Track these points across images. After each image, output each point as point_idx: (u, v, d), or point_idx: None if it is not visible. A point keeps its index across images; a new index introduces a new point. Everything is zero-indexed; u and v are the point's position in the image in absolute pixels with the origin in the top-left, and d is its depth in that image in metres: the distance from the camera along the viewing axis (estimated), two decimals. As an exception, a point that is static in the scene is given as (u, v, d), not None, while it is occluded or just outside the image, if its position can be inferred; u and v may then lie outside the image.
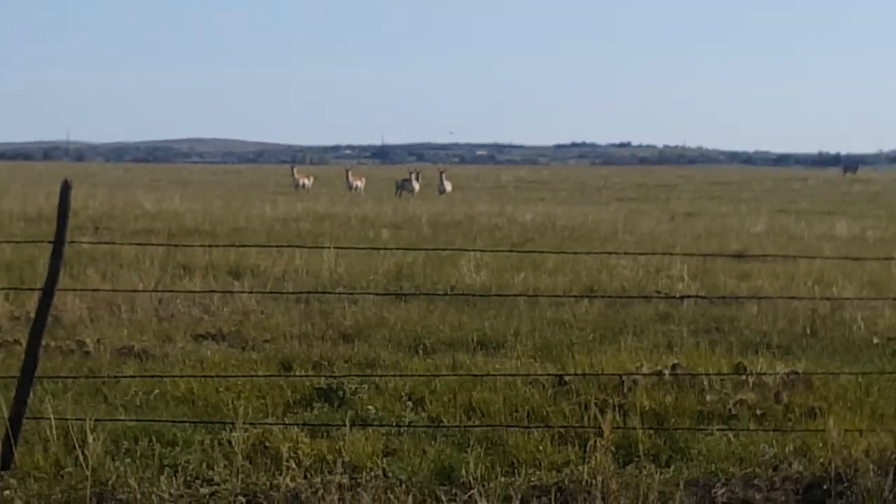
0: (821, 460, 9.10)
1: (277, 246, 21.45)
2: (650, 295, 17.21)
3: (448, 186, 62.61)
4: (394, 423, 9.97)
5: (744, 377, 11.48)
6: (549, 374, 11.58)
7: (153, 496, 8.22)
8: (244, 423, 9.33)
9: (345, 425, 9.41)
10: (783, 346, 13.84)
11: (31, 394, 8.97)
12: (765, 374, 11.59)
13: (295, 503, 8.27)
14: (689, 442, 9.59)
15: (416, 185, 62.68)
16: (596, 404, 10.23)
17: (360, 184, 66.13)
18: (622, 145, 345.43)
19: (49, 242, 8.90)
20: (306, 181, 69.02)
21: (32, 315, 9.33)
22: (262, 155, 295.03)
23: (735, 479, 8.86)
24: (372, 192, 62.90)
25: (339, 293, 16.66)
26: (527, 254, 21.36)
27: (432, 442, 9.52)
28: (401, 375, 11.59)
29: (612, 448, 9.01)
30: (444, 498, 8.33)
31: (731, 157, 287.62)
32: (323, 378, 11.28)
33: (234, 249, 20.75)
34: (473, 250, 21.32)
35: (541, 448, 9.33)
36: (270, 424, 9.69)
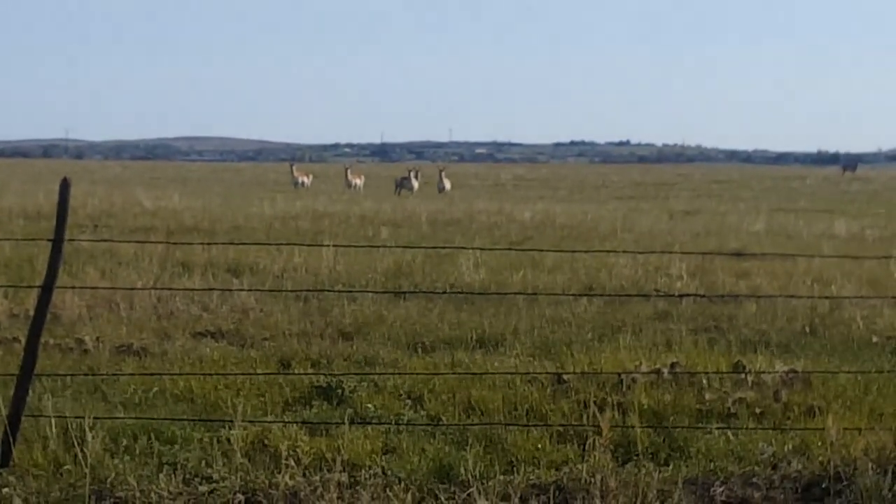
0: (820, 459, 9.09)
1: (276, 244, 21.46)
2: (649, 293, 17.22)
3: (447, 185, 62.65)
4: (393, 422, 9.97)
5: (743, 376, 11.48)
6: (547, 373, 11.58)
7: (152, 494, 8.21)
8: (243, 421, 9.33)
9: (344, 423, 9.41)
10: (782, 344, 13.83)
11: (30, 391, 8.97)
12: (764, 372, 11.59)
13: (294, 501, 8.27)
14: (687, 440, 9.59)
15: (416, 184, 62.70)
16: (595, 403, 10.22)
17: (359, 182, 66.16)
18: (621, 144, 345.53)
19: (48, 240, 8.90)
20: (305, 179, 69.04)
21: (31, 313, 9.33)
22: (261, 153, 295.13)
23: (734, 477, 8.86)
24: (371, 191, 62.94)
25: (339, 291, 16.65)
26: (526, 252, 21.36)
27: (431, 440, 9.52)
28: (400, 374, 11.59)
29: (611, 446, 9.01)
30: (442, 496, 8.33)
31: (730, 155, 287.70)
32: (322, 376, 11.28)
33: (234, 247, 20.76)
34: (472, 248, 21.31)
35: (539, 446, 9.33)
36: (269, 422, 9.69)
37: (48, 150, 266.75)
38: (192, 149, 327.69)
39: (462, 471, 8.63)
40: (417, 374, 11.56)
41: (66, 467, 8.60)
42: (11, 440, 8.68)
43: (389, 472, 8.69)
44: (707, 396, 10.84)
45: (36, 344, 8.85)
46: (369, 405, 10.45)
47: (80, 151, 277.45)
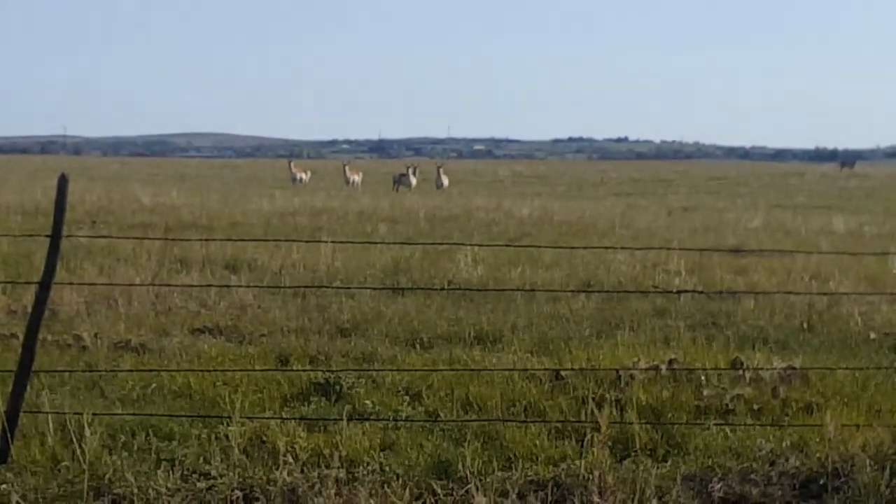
0: (818, 455, 9.10)
1: (275, 240, 21.44)
2: (647, 290, 17.21)
3: (445, 181, 62.63)
4: (391, 418, 9.97)
5: (741, 372, 11.48)
6: (546, 369, 11.58)
7: (150, 490, 8.21)
8: (241, 417, 9.33)
9: (342, 419, 9.40)
10: (780, 340, 13.84)
11: (28, 388, 8.96)
12: (762, 368, 11.59)
13: (292, 497, 8.27)
14: (685, 437, 9.59)
15: (414, 180, 62.69)
16: (593, 399, 10.22)
17: (357, 178, 66.15)
18: (619, 140, 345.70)
19: (46, 236, 8.89)
20: (303, 175, 69.02)
21: (29, 309, 9.32)
22: (259, 149, 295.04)
23: (732, 473, 8.86)
24: (369, 187, 62.92)
25: (337, 287, 16.64)
26: (524, 248, 21.38)
27: (429, 436, 9.52)
28: (398, 370, 11.59)
29: (609, 443, 9.00)
30: (440, 492, 8.33)
31: (729, 152, 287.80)
32: (320, 372, 11.28)
33: (232, 243, 20.75)
34: (471, 245, 21.32)
35: (538, 443, 9.33)
36: (267, 419, 9.69)
37: (46, 146, 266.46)
38: (190, 145, 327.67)
39: (460, 467, 8.62)
40: (415, 370, 11.56)
41: (64, 464, 8.60)
42: (9, 437, 8.68)
43: (387, 469, 8.69)
44: (705, 393, 10.83)
45: (34, 340, 8.85)
46: (367, 401, 10.44)
47: (77, 148, 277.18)
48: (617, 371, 11.30)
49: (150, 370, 11.38)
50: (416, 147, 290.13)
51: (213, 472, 8.55)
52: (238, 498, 8.22)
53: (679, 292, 16.35)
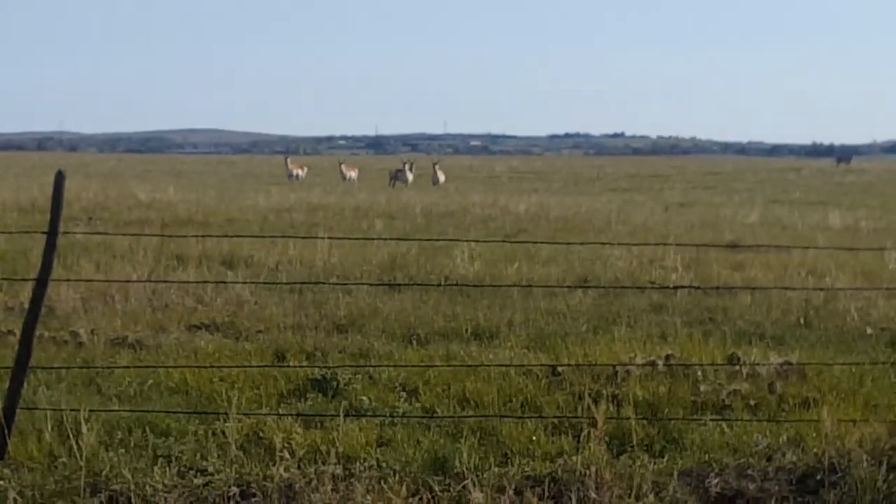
0: (814, 450, 9.11)
1: (271, 236, 21.46)
2: (644, 285, 17.22)
3: (441, 177, 62.58)
4: (387, 414, 9.97)
5: (737, 367, 11.49)
6: (542, 365, 11.58)
7: (147, 487, 8.21)
8: (238, 413, 9.32)
9: (338, 416, 9.41)
10: (777, 336, 13.85)
11: (25, 384, 8.97)
12: (758, 364, 11.61)
13: (288, 493, 8.27)
14: (682, 432, 9.60)
15: (410, 176, 62.66)
16: (589, 395, 10.23)
17: (353, 174, 66.14)
18: (616, 136, 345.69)
19: (43, 233, 8.88)
20: (300, 172, 68.96)
21: (26, 305, 9.32)
22: (255, 145, 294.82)
23: (729, 469, 8.87)
24: (366, 183, 62.89)
25: (333, 284, 16.64)
26: (520, 244, 21.37)
27: (426, 432, 9.52)
28: (394, 366, 11.59)
29: (606, 438, 9.01)
30: (437, 488, 8.33)
31: (725, 147, 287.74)
32: (317, 368, 11.28)
33: (228, 240, 20.73)
34: (467, 241, 21.31)
35: (534, 438, 9.34)
36: (264, 415, 9.69)
37: (42, 142, 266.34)
38: (187, 141, 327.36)
39: (457, 463, 8.63)
40: (412, 366, 11.56)
41: (61, 460, 8.60)
42: (6, 433, 8.68)
43: (384, 465, 8.69)
44: (702, 388, 10.84)
45: (31, 336, 8.84)
46: (364, 397, 10.44)
47: (74, 144, 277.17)
48: (613, 367, 11.31)
49: (147, 366, 11.38)
50: (412, 143, 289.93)
51: (210, 469, 8.55)
52: (235, 494, 8.23)
53: (675, 288, 16.35)
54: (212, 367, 11.28)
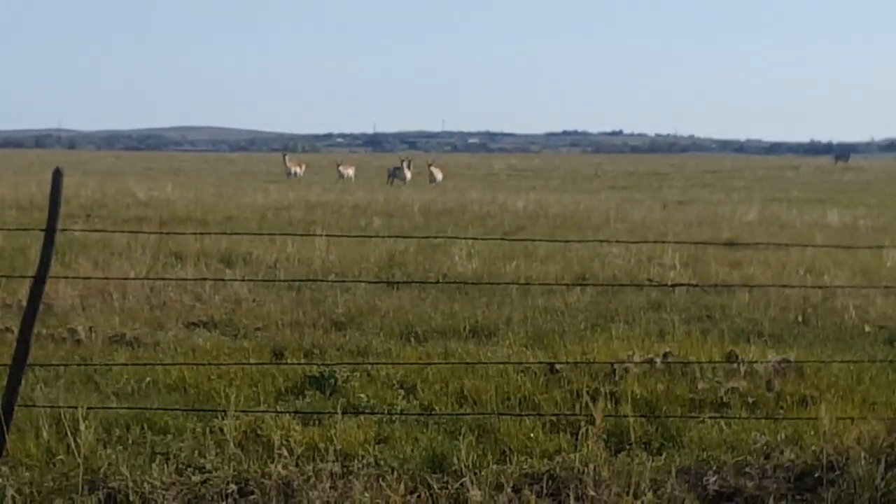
0: (812, 448, 9.10)
1: (269, 234, 21.47)
2: (642, 283, 17.23)
3: (439, 176, 62.39)
4: (385, 411, 9.97)
5: (735, 365, 11.49)
6: (540, 363, 11.59)
7: (145, 484, 8.21)
8: (236, 410, 9.33)
9: (337, 413, 9.41)
10: (775, 334, 13.85)
11: (23, 381, 8.96)
12: (756, 362, 11.60)
13: (286, 491, 8.26)
14: (680, 430, 9.60)
15: (408, 174, 62.61)
16: (587, 392, 10.24)
17: (350, 172, 66.09)
18: (614, 133, 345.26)
19: (41, 230, 8.87)
20: (298, 169, 68.93)
21: (24, 303, 9.31)
22: (253, 143, 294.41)
23: (727, 466, 8.86)
24: (364, 181, 62.87)
25: (331, 281, 16.66)
26: (519, 242, 21.38)
27: (424, 430, 9.52)
28: (393, 363, 11.59)
29: (604, 436, 9.01)
30: (435, 485, 8.32)
31: (723, 145, 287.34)
32: (315, 366, 11.28)
33: (226, 237, 20.75)
34: (465, 238, 21.34)
35: (532, 436, 9.33)
36: (262, 412, 9.69)
37: (41, 140, 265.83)
38: (185, 138, 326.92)
39: (455, 460, 8.63)
40: (410, 363, 11.57)
41: (59, 457, 8.60)
42: (4, 431, 8.67)
43: (382, 462, 8.69)
44: (700, 386, 10.84)
45: (29, 334, 8.84)
46: (362, 395, 10.45)
47: (72, 142, 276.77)
48: (612, 364, 11.31)
49: (145, 364, 11.38)
50: (410, 141, 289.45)
51: (208, 466, 8.55)
52: (233, 491, 8.22)
53: (674, 286, 16.37)
54: (210, 364, 11.28)
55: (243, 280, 16.35)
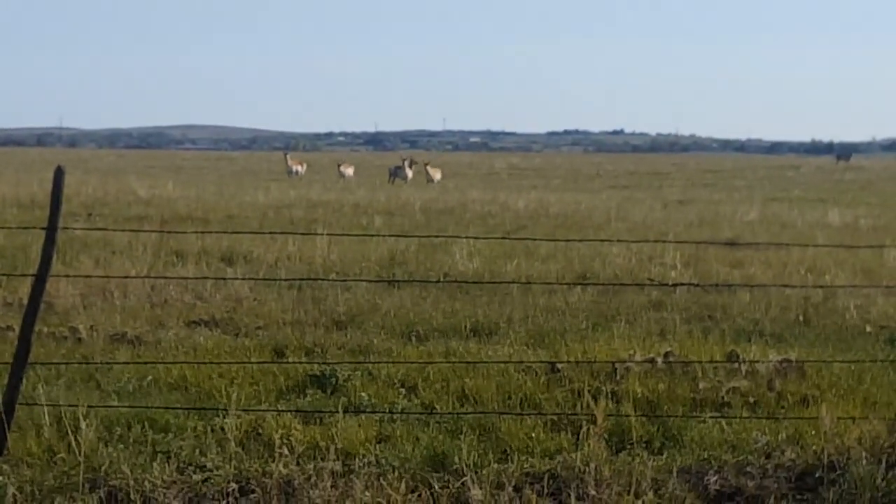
0: (813, 448, 9.11)
1: (270, 232, 21.45)
2: (643, 282, 17.23)
3: (436, 176, 62.19)
4: (387, 410, 9.98)
5: (736, 365, 11.49)
6: (541, 362, 11.59)
7: (146, 482, 8.21)
8: (237, 409, 9.34)
9: (338, 412, 9.42)
10: (776, 333, 13.85)
11: (24, 380, 8.96)
12: (757, 361, 11.60)
13: (287, 490, 8.27)
14: (681, 429, 9.60)
15: (409, 173, 62.54)
16: (589, 391, 10.23)
17: (349, 172, 66.07)
18: (615, 133, 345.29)
19: (42, 229, 8.88)
20: (299, 168, 68.92)
21: (25, 301, 9.31)
22: (255, 142, 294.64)
23: (728, 466, 8.87)
24: (365, 179, 62.84)
25: (332, 280, 16.66)
26: (520, 241, 21.37)
27: (425, 429, 9.53)
28: (394, 362, 11.59)
29: (605, 435, 9.01)
30: (436, 485, 8.33)
31: (724, 144, 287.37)
32: (316, 365, 11.29)
33: (227, 236, 20.74)
34: (466, 237, 21.32)
35: (533, 435, 9.34)
36: (263, 411, 9.70)
37: (42, 138, 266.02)
38: (186, 137, 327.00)
39: (456, 459, 8.63)
40: (411, 362, 11.57)
41: (59, 456, 8.61)
42: (6, 429, 8.68)
43: (383, 461, 8.69)
44: (701, 385, 10.84)
45: (30, 332, 8.84)
46: (363, 394, 10.45)
47: (73, 140, 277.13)
48: (613, 364, 11.31)
49: (146, 362, 11.39)
50: (412, 140, 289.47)
51: (209, 465, 8.55)
52: (234, 490, 8.23)
53: (675, 285, 16.36)
54: (211, 363, 11.29)
55: (244, 279, 16.34)
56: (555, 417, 9.81)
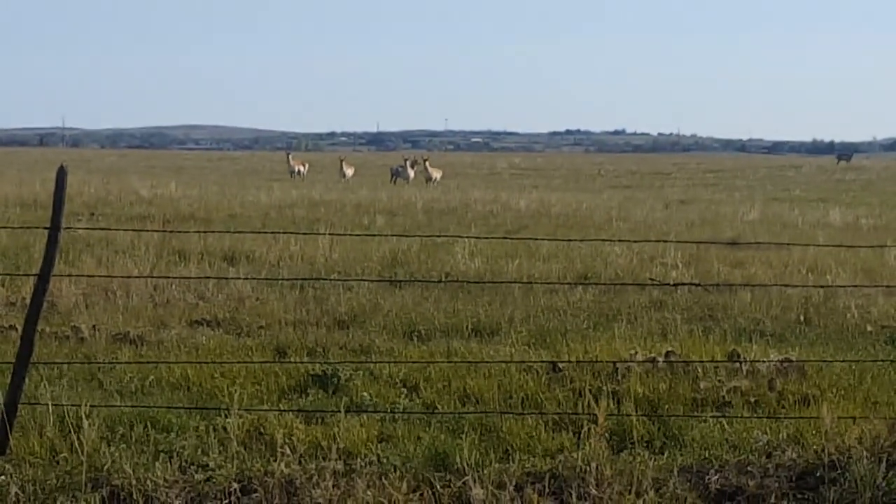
0: (814, 447, 9.12)
1: (273, 232, 21.45)
2: (644, 282, 17.22)
3: (436, 175, 62.12)
4: (388, 410, 9.99)
5: (737, 364, 11.50)
6: (543, 361, 11.60)
7: (148, 482, 8.23)
8: (239, 409, 9.35)
9: (339, 411, 9.44)
10: (777, 333, 13.86)
11: (27, 379, 8.98)
12: (758, 361, 11.61)
13: (289, 489, 8.28)
14: (682, 429, 9.61)
15: (411, 173, 62.50)
16: (590, 391, 10.24)
17: (349, 172, 66.05)
18: (617, 133, 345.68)
19: (45, 228, 8.90)
20: (301, 168, 68.92)
21: (28, 301, 9.34)
22: (257, 141, 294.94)
23: (729, 465, 8.88)
24: (366, 179, 62.83)
25: (334, 280, 16.66)
26: (521, 241, 21.38)
27: (427, 428, 9.54)
28: (395, 362, 11.61)
29: (606, 435, 9.03)
30: (438, 484, 8.34)
31: (726, 144, 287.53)
32: (318, 364, 11.30)
33: (230, 236, 20.75)
34: (468, 237, 21.33)
35: (535, 435, 9.35)
36: (265, 411, 9.71)
37: (44, 138, 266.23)
38: (188, 137, 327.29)
39: (458, 459, 8.65)
40: (413, 362, 11.58)
41: (62, 455, 8.62)
42: (8, 428, 8.70)
43: (385, 460, 8.71)
44: (702, 385, 10.85)
45: (32, 332, 8.86)
46: (365, 393, 10.46)
47: (76, 140, 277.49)
48: (614, 363, 11.32)
49: (149, 362, 11.40)
50: (413, 140, 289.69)
51: (211, 464, 8.57)
52: (236, 490, 8.24)
53: (676, 285, 16.36)
54: (213, 362, 11.31)
55: (246, 278, 16.35)
56: (556, 417, 9.82)
